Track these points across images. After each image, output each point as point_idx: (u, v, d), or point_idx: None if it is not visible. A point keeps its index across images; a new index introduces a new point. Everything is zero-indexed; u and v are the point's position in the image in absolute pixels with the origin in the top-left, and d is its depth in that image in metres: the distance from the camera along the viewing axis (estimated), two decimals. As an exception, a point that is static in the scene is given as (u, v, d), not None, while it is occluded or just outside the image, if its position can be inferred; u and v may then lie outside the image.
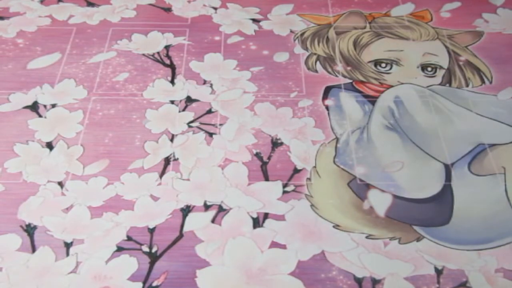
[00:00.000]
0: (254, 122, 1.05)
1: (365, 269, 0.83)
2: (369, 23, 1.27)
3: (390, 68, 1.15)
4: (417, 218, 0.90)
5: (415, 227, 0.88)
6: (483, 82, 1.13)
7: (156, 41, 1.23)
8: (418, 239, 0.87)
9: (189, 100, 1.09)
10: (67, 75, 1.14)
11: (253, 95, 1.10)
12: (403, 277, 0.82)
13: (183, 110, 1.07)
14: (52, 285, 0.81)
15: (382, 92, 1.10)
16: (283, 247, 0.85)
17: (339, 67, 1.16)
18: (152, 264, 0.84)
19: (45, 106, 1.08)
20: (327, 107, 1.08)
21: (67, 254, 0.84)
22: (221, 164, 0.97)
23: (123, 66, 1.16)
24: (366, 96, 1.09)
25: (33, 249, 0.85)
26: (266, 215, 0.90)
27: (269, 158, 0.99)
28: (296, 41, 1.23)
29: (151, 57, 1.19)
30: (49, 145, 1.00)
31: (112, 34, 1.24)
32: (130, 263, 0.83)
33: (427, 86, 1.11)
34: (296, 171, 0.97)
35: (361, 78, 1.13)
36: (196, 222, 0.89)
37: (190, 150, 1.00)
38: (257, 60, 1.18)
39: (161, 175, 0.95)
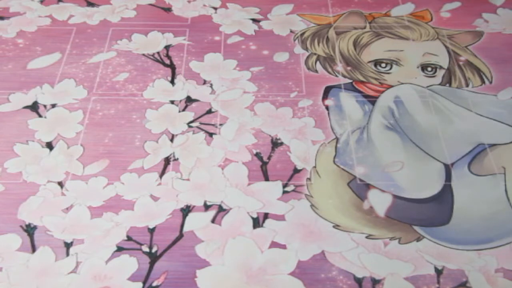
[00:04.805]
0: (254, 122, 1.05)
1: (365, 269, 0.83)
2: (369, 23, 1.27)
3: (390, 68, 1.15)
4: (417, 218, 0.90)
5: (415, 227, 0.88)
6: (483, 82, 1.13)
7: (156, 41, 1.23)
8: (418, 239, 0.87)
9: (189, 100, 1.09)
10: (67, 75, 1.14)
11: (253, 95, 1.10)
12: (403, 277, 0.82)
13: (183, 110, 1.07)
14: (52, 285, 0.81)
15: (382, 92, 1.10)
16: (283, 247, 0.85)
17: (339, 67, 1.16)
18: (152, 264, 0.84)
19: (45, 106, 1.08)
20: (327, 107, 1.08)
21: (67, 254, 0.84)
22: (221, 164, 0.97)
23: (123, 66, 1.16)
24: (366, 96, 1.09)
25: (33, 249, 0.85)
26: (266, 215, 0.90)
27: (269, 158, 0.99)
28: (296, 41, 1.23)
29: (151, 57, 1.19)
30: (49, 145, 1.00)
31: (112, 34, 1.24)
32: (130, 263, 0.83)
33: (427, 86, 1.11)
34: (296, 171, 0.97)
35: (361, 78, 1.13)
36: (196, 222, 0.89)
37: (190, 150, 1.00)
38: (257, 60, 1.18)
39: (161, 175, 0.95)
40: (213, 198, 0.92)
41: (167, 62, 1.18)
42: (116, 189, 0.93)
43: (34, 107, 1.07)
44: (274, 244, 0.86)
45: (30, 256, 0.84)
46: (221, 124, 1.04)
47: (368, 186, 0.94)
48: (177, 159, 0.98)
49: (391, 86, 1.11)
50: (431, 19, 1.28)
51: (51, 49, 1.20)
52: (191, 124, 1.04)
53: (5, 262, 0.83)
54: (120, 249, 0.85)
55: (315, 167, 0.97)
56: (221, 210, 0.90)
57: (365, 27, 1.26)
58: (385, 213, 0.90)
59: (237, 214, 0.89)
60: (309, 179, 0.95)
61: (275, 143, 1.01)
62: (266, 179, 0.95)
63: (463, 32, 1.25)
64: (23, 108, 1.07)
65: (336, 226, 0.88)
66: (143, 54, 1.19)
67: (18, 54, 1.19)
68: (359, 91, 1.10)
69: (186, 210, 0.90)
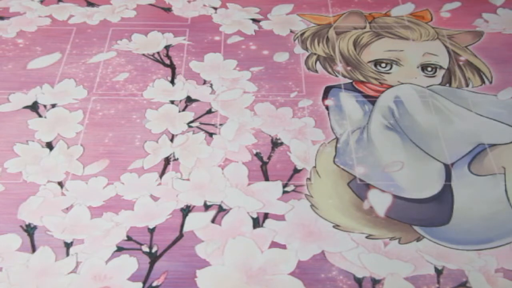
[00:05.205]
0: (254, 122, 1.05)
1: (365, 269, 0.83)
2: (369, 23, 1.27)
3: (390, 68, 1.15)
4: (417, 218, 0.90)
5: (415, 227, 0.88)
6: (483, 82, 1.13)
7: (156, 41, 1.23)
8: (418, 239, 0.87)
9: (189, 100, 1.09)
10: (67, 75, 1.14)
11: (253, 95, 1.10)
12: (403, 277, 0.82)
13: (183, 110, 1.07)
14: (52, 285, 0.81)
15: (382, 92, 1.10)
16: (283, 247, 0.85)
17: (339, 67, 1.16)
18: (152, 264, 0.84)
19: (45, 106, 1.08)
20: (327, 107, 1.08)
21: (67, 254, 0.84)
22: (221, 164, 0.97)
23: (123, 66, 1.16)
24: (366, 96, 1.09)
25: (33, 249, 0.85)
26: (266, 215, 0.90)
27: (269, 158, 0.99)
28: (296, 41, 1.23)
29: (151, 57, 1.19)
30: (49, 145, 1.00)
31: (112, 34, 1.24)
32: (130, 263, 0.83)
33: (427, 86, 1.11)
34: (296, 171, 0.97)
35: (361, 78, 1.13)
36: (196, 222, 0.89)
37: (190, 150, 1.00)
38: (257, 60, 1.18)
39: (161, 175, 0.95)
40: (213, 198, 0.92)
41: (167, 62, 1.18)
42: (116, 189, 0.93)
43: (34, 107, 1.07)
44: (274, 244, 0.86)
45: (30, 256, 0.84)
46: (221, 124, 1.04)
47: (368, 186, 0.94)
48: (177, 159, 0.98)
49: (391, 86, 1.11)
50: (431, 19, 1.28)
51: (51, 49, 1.20)
52: (191, 124, 1.04)
53: (5, 262, 0.83)
54: (120, 249, 0.85)
55: (315, 167, 0.97)
56: (221, 210, 0.90)
57: (365, 27, 1.26)
58: (385, 213, 0.90)
59: (237, 214, 0.89)
60: (309, 179, 0.95)
61: (275, 143, 1.01)
62: (266, 179, 0.95)
63: (463, 32, 1.25)
64: (23, 108, 1.07)
65: (336, 226, 0.88)
66: (143, 54, 1.19)
67: (18, 54, 1.19)
68: (359, 91, 1.10)
69: (186, 210, 0.90)
